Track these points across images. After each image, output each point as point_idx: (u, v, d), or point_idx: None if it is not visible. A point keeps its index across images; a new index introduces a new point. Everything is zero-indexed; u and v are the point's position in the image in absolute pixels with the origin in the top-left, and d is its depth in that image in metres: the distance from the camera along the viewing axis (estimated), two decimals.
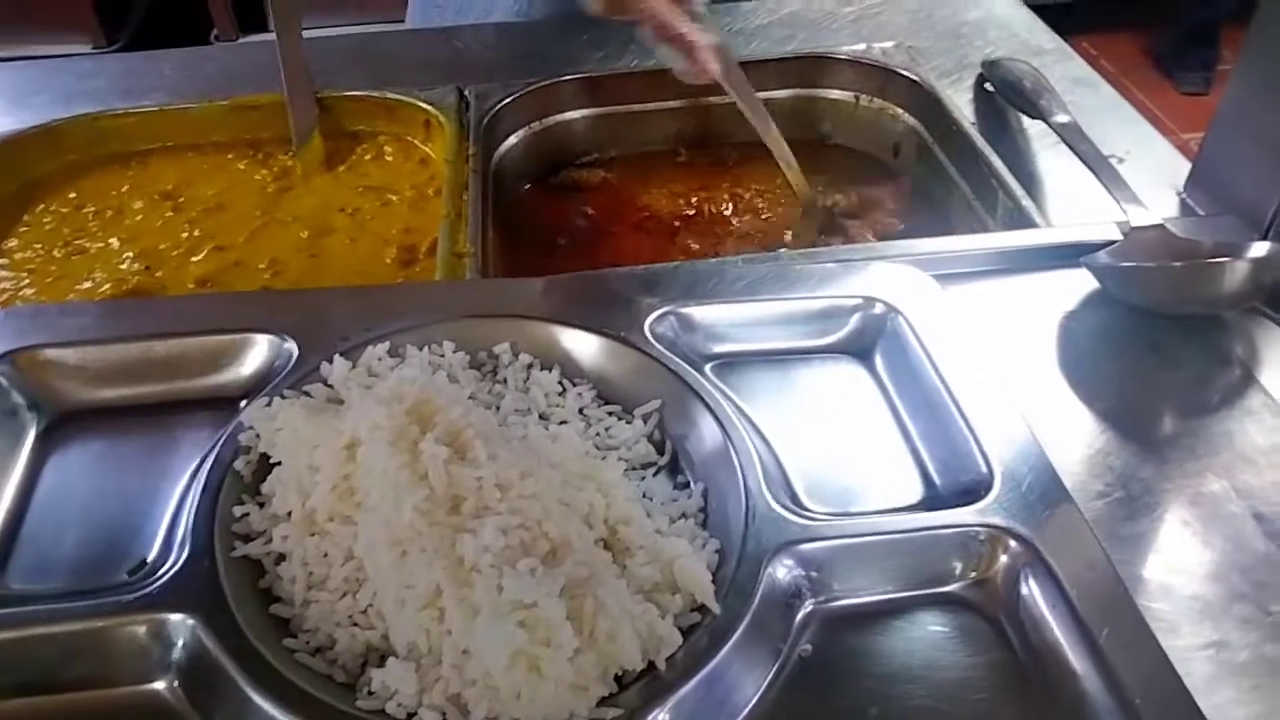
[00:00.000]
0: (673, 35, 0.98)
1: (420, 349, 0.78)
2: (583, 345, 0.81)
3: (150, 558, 0.65)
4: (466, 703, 0.56)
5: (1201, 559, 0.69)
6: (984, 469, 0.74)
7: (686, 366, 0.80)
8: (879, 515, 0.71)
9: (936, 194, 1.16)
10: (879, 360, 0.85)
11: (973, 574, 0.70)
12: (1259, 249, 0.81)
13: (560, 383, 0.79)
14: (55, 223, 1.03)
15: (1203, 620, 0.67)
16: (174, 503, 0.69)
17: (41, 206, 1.05)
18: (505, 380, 0.79)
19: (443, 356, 0.78)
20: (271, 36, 1.08)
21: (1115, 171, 0.91)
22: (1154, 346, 0.80)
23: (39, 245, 1.01)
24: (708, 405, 0.76)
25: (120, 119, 1.11)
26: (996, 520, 0.70)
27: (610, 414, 0.79)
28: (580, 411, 0.78)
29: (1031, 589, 0.68)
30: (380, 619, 0.61)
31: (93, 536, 0.67)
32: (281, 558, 0.65)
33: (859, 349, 0.86)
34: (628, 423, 0.77)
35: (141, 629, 0.60)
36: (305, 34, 1.08)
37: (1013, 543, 0.69)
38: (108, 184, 1.08)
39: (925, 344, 0.83)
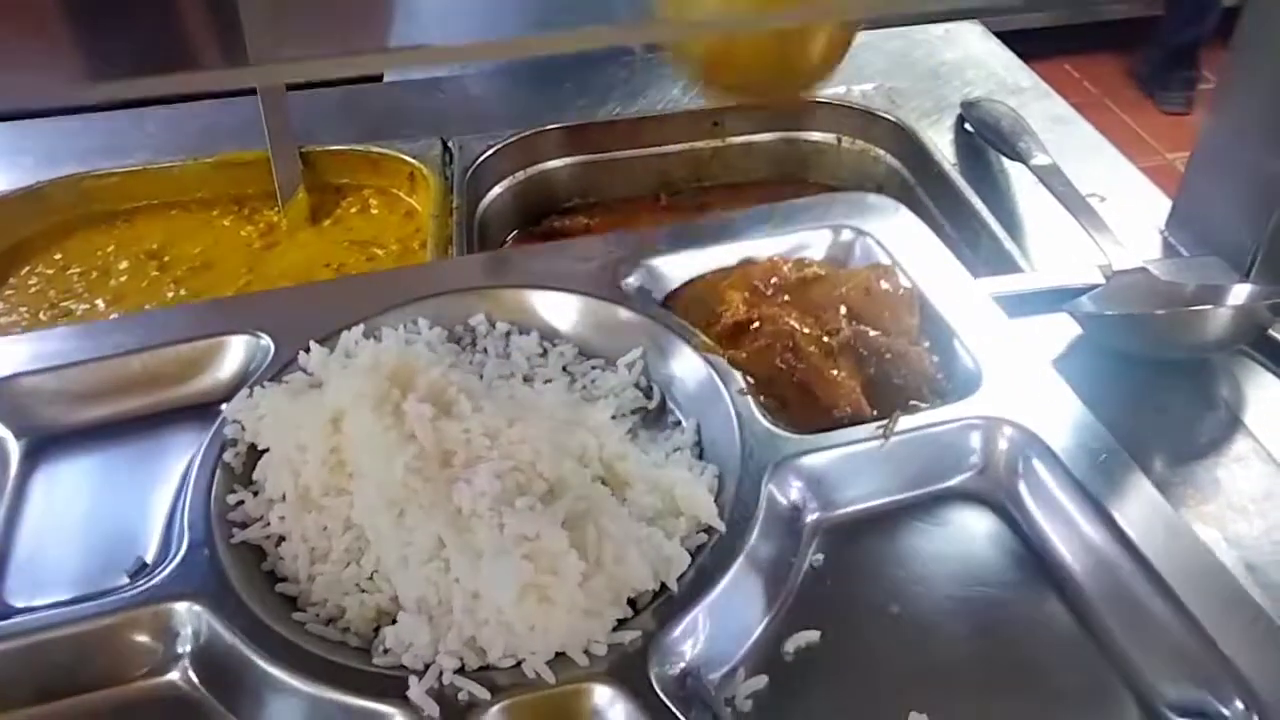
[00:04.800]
0: None
1: (396, 329, 0.77)
2: (559, 306, 0.81)
3: (149, 558, 0.65)
4: (482, 644, 0.56)
5: None
6: (971, 365, 0.74)
7: (664, 311, 0.80)
8: (872, 422, 0.71)
9: None
10: None
11: (973, 466, 0.70)
12: (1240, 293, 0.80)
13: (541, 344, 0.79)
14: (41, 285, 1.02)
15: None
16: (167, 506, 0.68)
17: (27, 269, 1.04)
18: (485, 350, 0.79)
19: (419, 334, 0.78)
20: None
21: (1095, 214, 0.89)
22: (1140, 391, 0.78)
23: (24, 309, 0.99)
24: (689, 344, 0.76)
25: (105, 179, 1.10)
26: (990, 411, 0.70)
27: (594, 367, 0.78)
28: (564, 369, 0.78)
29: (1035, 471, 0.68)
30: (386, 581, 0.60)
31: (89, 549, 0.66)
32: (281, 539, 0.64)
33: None
34: (613, 372, 0.77)
35: (149, 622, 0.59)
36: (296, 86, 1.08)
37: (1009, 429, 0.69)
38: (93, 244, 1.07)
39: (896, 259, 0.83)
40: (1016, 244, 0.98)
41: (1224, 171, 0.91)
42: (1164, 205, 0.99)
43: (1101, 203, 0.95)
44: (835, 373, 0.71)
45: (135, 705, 0.58)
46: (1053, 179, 0.96)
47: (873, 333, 0.74)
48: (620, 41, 1.14)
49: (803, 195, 1.17)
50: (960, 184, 1.06)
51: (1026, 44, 1.34)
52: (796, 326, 0.74)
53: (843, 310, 0.77)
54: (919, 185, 1.14)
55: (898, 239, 0.85)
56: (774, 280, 0.82)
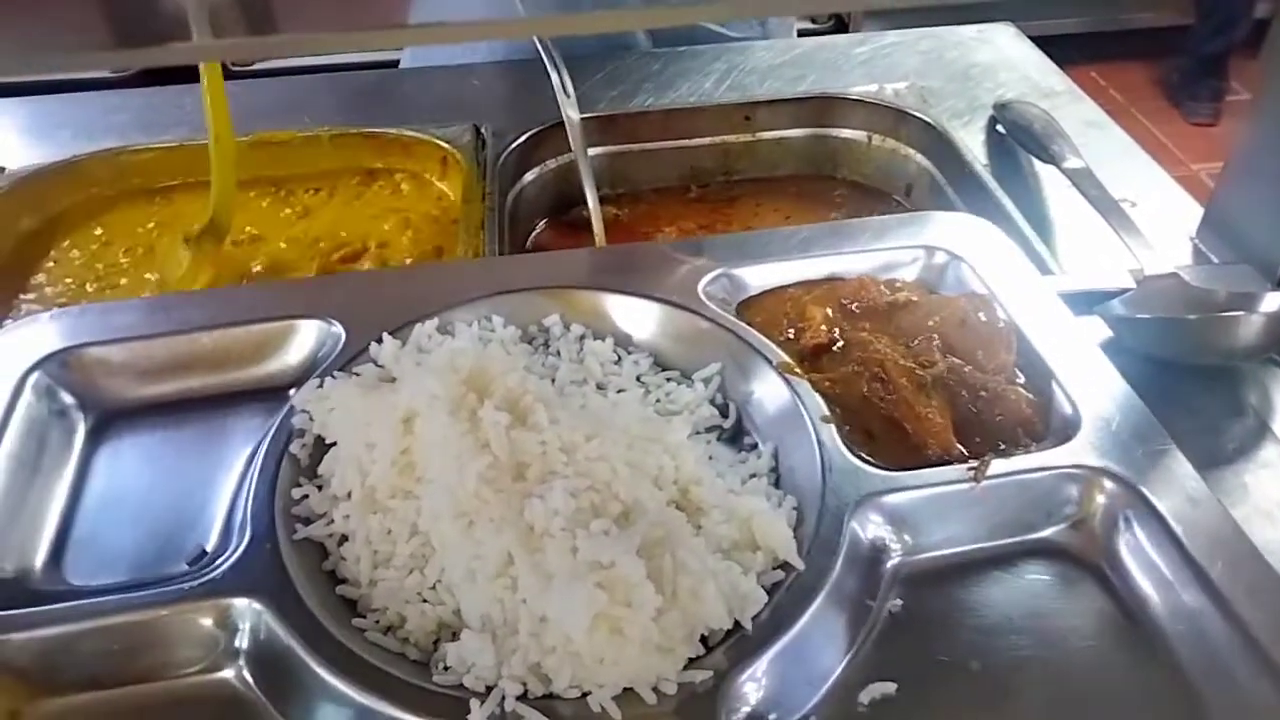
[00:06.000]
0: None
1: (470, 325, 0.75)
2: (636, 312, 0.79)
3: (209, 547, 0.63)
4: (547, 671, 0.53)
5: None
6: (1069, 410, 0.70)
7: (746, 326, 0.77)
8: (962, 463, 0.67)
9: None
10: None
11: (1068, 518, 0.66)
12: (1273, 300, 0.78)
13: (615, 351, 0.77)
14: (85, 258, 1.02)
15: None
16: (230, 492, 0.67)
17: (67, 242, 1.04)
18: (558, 353, 0.76)
19: (493, 331, 0.76)
20: (287, 66, 1.05)
21: (1128, 218, 0.88)
22: (1168, 396, 0.77)
23: (69, 280, 0.98)
24: (771, 363, 0.73)
25: (142, 154, 1.09)
26: (1089, 460, 0.66)
27: (669, 380, 0.76)
28: (638, 379, 0.75)
29: (1134, 529, 0.64)
30: (450, 594, 0.58)
31: (149, 530, 0.65)
32: (344, 538, 0.62)
33: None
34: (688, 387, 0.74)
35: (207, 616, 0.58)
36: (317, 66, 1.06)
37: (1108, 483, 0.65)
38: (133, 220, 1.06)
39: (992, 289, 0.79)
40: (1047, 246, 0.96)
41: (1258, 180, 0.89)
42: (1195, 212, 0.98)
43: (1133, 208, 0.93)
44: (927, 409, 0.68)
45: (186, 700, 0.57)
46: (1085, 182, 0.94)
47: (967, 368, 0.70)
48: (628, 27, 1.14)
49: (832, 192, 1.18)
50: (991, 184, 1.04)
51: (1053, 50, 1.30)
52: (888, 355, 0.71)
53: (936, 341, 0.73)
54: (949, 185, 1.12)
55: (994, 266, 0.81)
56: (861, 301, 0.79)
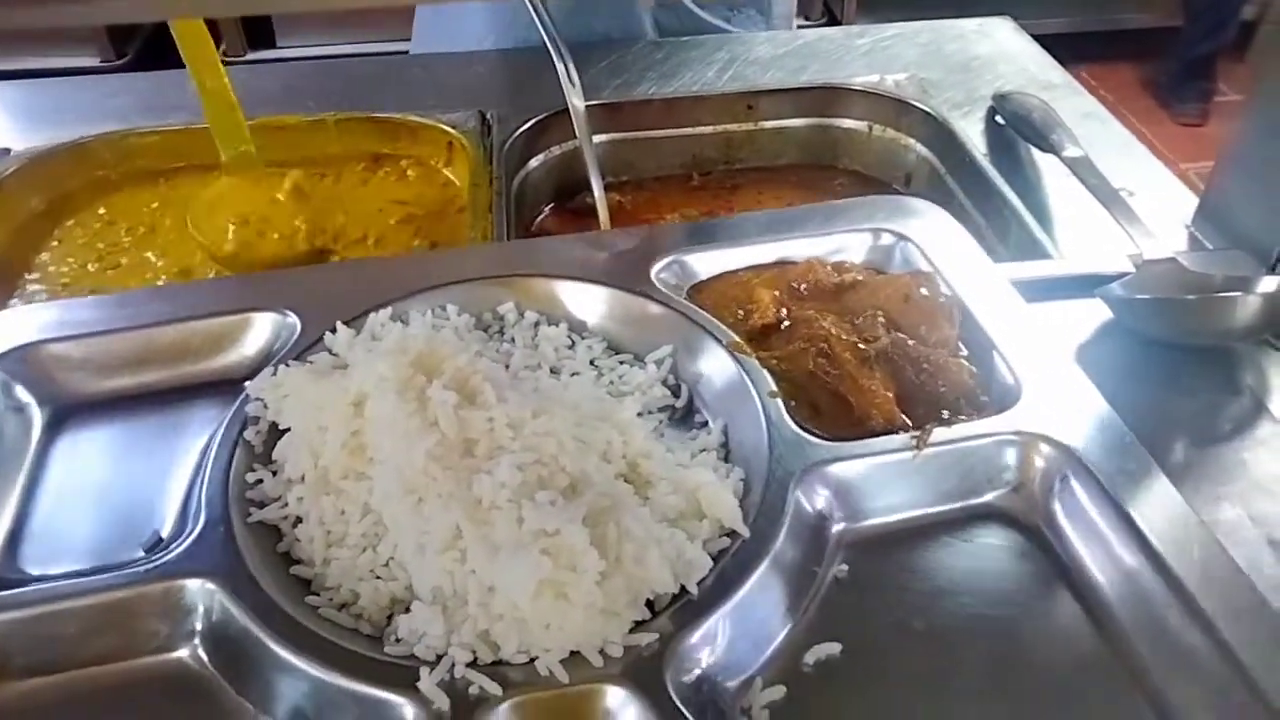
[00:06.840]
0: None
1: (423, 314, 0.76)
2: (589, 298, 0.80)
3: (165, 533, 0.64)
4: (495, 639, 0.54)
5: None
6: (1010, 379, 0.72)
7: (697, 309, 0.78)
8: (906, 432, 0.69)
9: None
10: None
11: (1008, 483, 0.68)
12: (1269, 284, 0.81)
13: (569, 336, 0.78)
14: (88, 238, 1.03)
15: None
16: (186, 481, 0.68)
17: (71, 221, 1.05)
18: (513, 339, 0.78)
19: (447, 320, 0.77)
20: (282, 56, 1.05)
21: (1127, 205, 0.90)
22: (1166, 377, 0.80)
23: (72, 260, 1.01)
24: (720, 343, 0.75)
25: (148, 137, 1.10)
26: (1028, 426, 0.68)
27: (622, 363, 0.77)
28: (591, 363, 0.77)
29: (1072, 492, 0.66)
30: (402, 569, 0.59)
31: (106, 520, 0.66)
32: (298, 520, 0.63)
33: None
34: (641, 369, 0.76)
35: (161, 597, 0.58)
36: (317, 55, 1.06)
37: (1046, 447, 0.67)
38: (138, 201, 1.08)
39: (937, 266, 0.81)
40: (1047, 233, 0.98)
41: (1252, 170, 0.92)
42: (1189, 201, 1.00)
43: (1130, 197, 0.95)
44: (870, 381, 0.69)
45: (142, 681, 0.57)
46: (1084, 170, 0.96)
47: (910, 342, 0.72)
48: None
49: (833, 181, 1.21)
50: (991, 173, 1.06)
51: (1044, 48, 1.33)
52: (833, 331, 0.73)
53: (880, 317, 0.75)
54: (949, 174, 1.14)
55: (939, 245, 0.83)
56: (810, 282, 0.80)
